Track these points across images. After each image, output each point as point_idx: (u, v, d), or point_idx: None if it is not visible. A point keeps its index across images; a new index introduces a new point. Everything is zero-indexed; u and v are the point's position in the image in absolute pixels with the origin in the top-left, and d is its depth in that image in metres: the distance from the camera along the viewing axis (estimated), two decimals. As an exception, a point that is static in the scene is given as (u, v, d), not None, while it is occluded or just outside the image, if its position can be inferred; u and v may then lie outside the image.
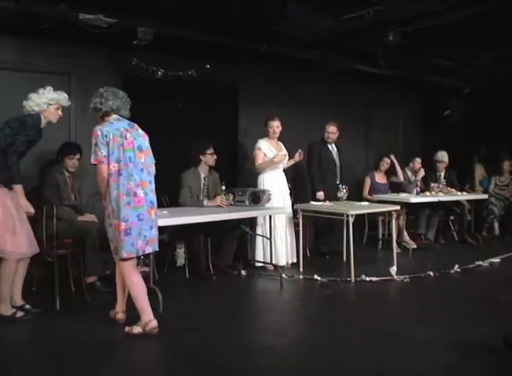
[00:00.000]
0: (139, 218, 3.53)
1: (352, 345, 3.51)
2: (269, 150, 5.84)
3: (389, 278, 5.26)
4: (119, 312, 3.86)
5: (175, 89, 6.04)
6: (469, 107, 8.59)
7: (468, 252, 6.73)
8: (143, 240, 3.56)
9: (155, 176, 3.78)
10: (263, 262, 5.64)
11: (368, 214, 6.58)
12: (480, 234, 7.49)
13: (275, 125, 5.85)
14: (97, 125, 3.61)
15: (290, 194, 6.07)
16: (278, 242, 5.68)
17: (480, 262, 6.00)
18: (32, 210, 3.88)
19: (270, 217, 5.40)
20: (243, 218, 5.23)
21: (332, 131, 6.39)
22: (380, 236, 7.03)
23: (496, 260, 6.22)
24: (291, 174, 6.21)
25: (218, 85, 6.48)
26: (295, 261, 5.82)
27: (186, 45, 5.67)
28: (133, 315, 3.69)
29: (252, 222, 5.69)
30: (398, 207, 5.86)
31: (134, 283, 3.61)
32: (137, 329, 3.60)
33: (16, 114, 3.91)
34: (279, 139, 6.01)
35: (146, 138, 3.74)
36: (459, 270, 5.63)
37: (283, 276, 5.21)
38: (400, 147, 8.61)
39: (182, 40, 5.52)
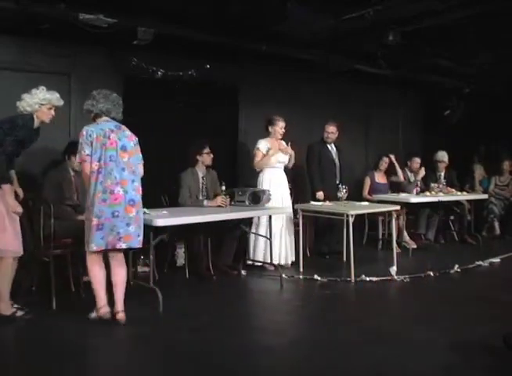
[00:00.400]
0: (114, 215, 3.69)
1: (352, 345, 3.51)
2: (269, 150, 5.84)
3: (389, 278, 5.26)
4: (103, 306, 3.85)
5: (175, 89, 6.04)
6: (469, 107, 8.59)
7: (468, 252, 6.72)
8: (116, 236, 3.71)
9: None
10: (262, 262, 5.64)
11: (368, 214, 6.57)
12: (480, 234, 7.49)
13: (281, 127, 5.85)
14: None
15: (291, 194, 6.07)
16: (275, 242, 5.67)
17: (480, 262, 6.00)
18: (20, 209, 3.84)
19: (270, 217, 5.40)
20: (243, 218, 5.23)
21: (331, 131, 6.39)
22: (380, 236, 7.03)
23: (496, 260, 6.23)
24: (291, 174, 6.20)
25: (218, 85, 6.48)
26: (294, 260, 5.82)
27: (186, 45, 5.67)
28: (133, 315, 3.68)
29: (251, 222, 5.69)
30: (398, 207, 5.86)
31: (95, 276, 3.82)
32: (93, 315, 3.86)
33: (16, 114, 3.91)
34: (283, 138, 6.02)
35: (133, 139, 3.90)
36: (459, 270, 5.63)
37: (283, 276, 5.21)
38: (400, 147, 8.61)
39: (182, 40, 5.52)
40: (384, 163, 7.21)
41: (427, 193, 7.11)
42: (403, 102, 8.84)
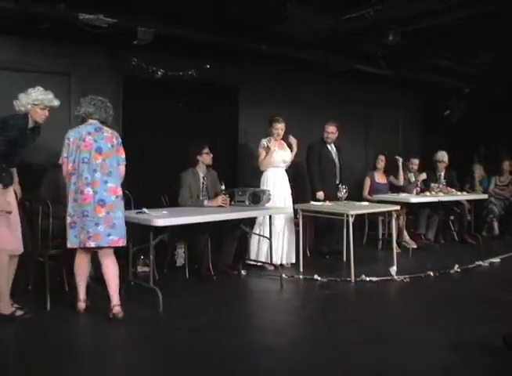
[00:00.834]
0: (84, 215, 3.86)
1: (352, 345, 3.51)
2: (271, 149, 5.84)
3: (389, 278, 5.26)
4: (79, 301, 4.04)
5: (175, 89, 6.04)
6: (469, 107, 8.59)
7: (468, 252, 6.72)
8: (86, 234, 3.87)
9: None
10: (262, 262, 5.64)
11: (368, 214, 6.57)
12: (480, 234, 7.48)
13: (280, 127, 5.86)
14: None
15: (291, 194, 6.07)
16: (277, 241, 5.68)
17: (480, 262, 5.99)
18: (8, 209, 3.80)
19: (270, 217, 5.40)
20: (243, 218, 5.23)
21: (331, 131, 6.39)
22: (380, 236, 7.03)
23: (496, 260, 6.22)
24: (291, 174, 6.20)
25: (218, 85, 6.48)
26: (294, 261, 5.82)
27: (186, 45, 5.67)
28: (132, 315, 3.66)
29: (253, 222, 5.69)
30: (398, 207, 5.86)
31: (77, 270, 4.05)
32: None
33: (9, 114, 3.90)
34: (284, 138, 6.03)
35: (113, 140, 3.99)
36: (459, 270, 5.63)
37: (283, 276, 5.21)
38: (400, 147, 8.61)
39: (182, 40, 5.52)
40: (381, 161, 7.21)
41: (427, 193, 7.11)
42: (403, 102, 8.84)
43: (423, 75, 7.81)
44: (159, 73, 5.76)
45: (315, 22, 5.57)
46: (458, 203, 7.43)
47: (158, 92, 5.97)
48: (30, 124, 3.92)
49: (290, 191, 5.98)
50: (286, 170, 6.00)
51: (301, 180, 6.83)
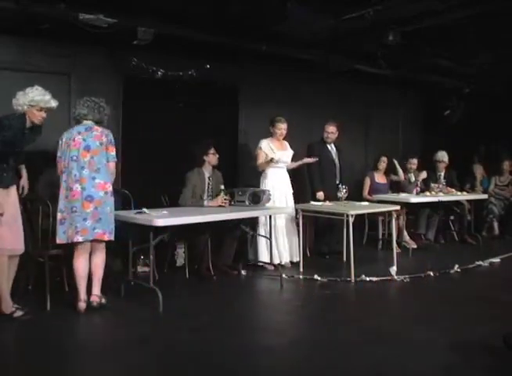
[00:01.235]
0: (72, 211, 4.00)
1: (352, 345, 3.51)
2: (270, 150, 5.85)
3: (389, 278, 5.26)
4: (80, 300, 4.05)
5: (175, 89, 6.04)
6: (469, 107, 8.59)
7: (468, 252, 6.72)
8: (74, 230, 3.99)
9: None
10: (263, 262, 5.64)
11: (368, 214, 6.57)
12: (480, 234, 7.48)
13: (283, 128, 5.88)
14: None
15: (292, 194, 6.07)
16: (277, 241, 5.68)
17: (480, 262, 5.99)
18: (1, 211, 3.76)
19: (270, 217, 5.40)
20: (243, 218, 5.23)
21: (331, 131, 6.39)
22: (380, 236, 7.02)
23: (496, 260, 6.22)
24: (291, 174, 6.20)
25: (218, 85, 6.48)
26: (297, 260, 5.81)
27: (186, 45, 5.67)
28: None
29: (253, 222, 5.69)
30: (398, 207, 5.86)
31: (77, 269, 4.09)
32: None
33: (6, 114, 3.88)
34: (285, 138, 6.03)
35: (102, 139, 4.10)
36: (459, 270, 5.63)
37: (283, 276, 5.21)
38: (400, 147, 8.62)
39: (182, 40, 5.52)
40: (383, 162, 7.21)
41: (427, 193, 7.11)
42: (403, 102, 8.84)
43: (423, 75, 7.80)
44: (159, 73, 5.76)
45: (315, 22, 5.57)
46: (458, 203, 7.43)
47: (158, 92, 5.97)
48: (28, 124, 3.89)
49: (291, 191, 5.97)
50: (287, 170, 6.00)
51: (301, 180, 6.83)
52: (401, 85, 8.34)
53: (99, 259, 4.16)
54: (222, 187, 5.23)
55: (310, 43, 6.28)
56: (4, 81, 5.10)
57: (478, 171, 8.51)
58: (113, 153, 4.14)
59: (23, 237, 3.92)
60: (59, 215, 4.05)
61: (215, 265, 5.39)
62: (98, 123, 4.16)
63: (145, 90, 5.90)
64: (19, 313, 3.85)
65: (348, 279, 5.16)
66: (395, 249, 5.80)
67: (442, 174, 7.60)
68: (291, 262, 5.86)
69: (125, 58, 5.62)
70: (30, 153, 4.26)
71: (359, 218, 5.70)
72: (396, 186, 7.28)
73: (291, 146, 6.08)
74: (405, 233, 6.90)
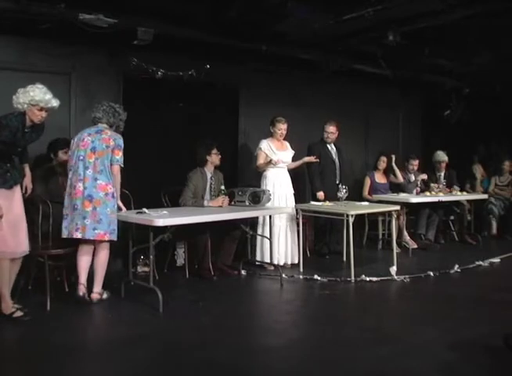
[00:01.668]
0: (74, 208, 4.17)
1: (352, 345, 3.51)
2: (270, 151, 5.84)
3: (389, 278, 5.26)
4: (80, 284, 4.25)
5: (175, 89, 6.04)
6: (469, 107, 8.59)
7: (468, 252, 6.72)
8: (74, 226, 4.16)
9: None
10: (263, 262, 5.64)
11: (368, 214, 6.57)
12: (480, 234, 7.49)
13: (284, 128, 5.88)
14: None
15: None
16: (277, 241, 5.68)
17: (480, 262, 5.99)
18: (0, 213, 3.72)
19: (270, 217, 5.40)
20: (243, 218, 5.23)
21: (331, 131, 6.39)
22: (380, 236, 7.03)
23: (496, 260, 6.22)
24: (291, 174, 6.20)
25: (219, 85, 6.48)
26: (297, 260, 5.81)
27: (186, 45, 5.67)
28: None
29: (253, 222, 5.69)
30: (398, 207, 5.86)
31: (79, 262, 4.27)
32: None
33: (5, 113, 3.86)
34: (285, 138, 6.03)
35: (109, 142, 4.22)
36: (459, 270, 5.63)
37: (283, 276, 5.21)
38: (400, 147, 8.61)
39: (181, 40, 5.52)
40: (382, 162, 7.21)
41: (427, 193, 7.11)
42: (403, 102, 8.84)
43: (423, 75, 7.80)
44: (159, 73, 5.75)
45: (315, 22, 5.57)
46: (458, 203, 7.44)
47: (158, 92, 5.97)
48: (28, 123, 3.85)
49: (292, 191, 5.97)
50: (287, 170, 6.01)
51: (301, 180, 6.83)
52: (401, 85, 8.34)
53: (102, 258, 4.29)
54: (222, 187, 5.23)
55: (310, 43, 6.28)
56: (4, 81, 5.10)
57: (478, 171, 8.52)
58: (119, 156, 4.24)
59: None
60: (63, 211, 4.24)
61: (215, 265, 5.38)
62: (111, 127, 4.35)
63: (145, 90, 5.90)
64: (19, 313, 3.85)
65: (348, 279, 5.16)
66: (395, 249, 5.80)
67: (442, 174, 7.60)
68: (291, 262, 5.86)
69: (125, 58, 5.61)
70: (31, 152, 4.27)
71: (359, 218, 5.70)
72: (396, 186, 7.28)
73: (291, 147, 6.08)
74: (405, 233, 6.90)
